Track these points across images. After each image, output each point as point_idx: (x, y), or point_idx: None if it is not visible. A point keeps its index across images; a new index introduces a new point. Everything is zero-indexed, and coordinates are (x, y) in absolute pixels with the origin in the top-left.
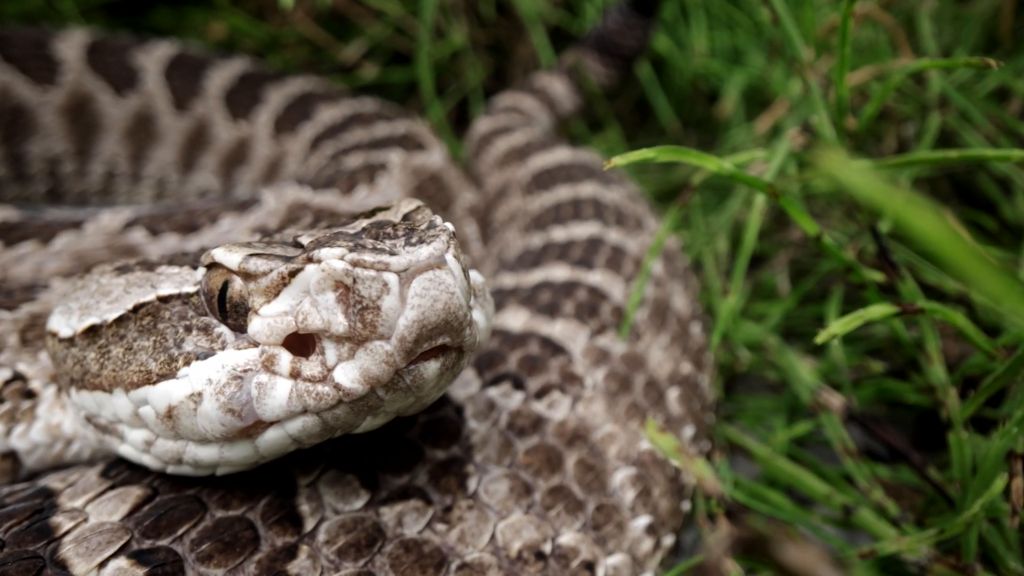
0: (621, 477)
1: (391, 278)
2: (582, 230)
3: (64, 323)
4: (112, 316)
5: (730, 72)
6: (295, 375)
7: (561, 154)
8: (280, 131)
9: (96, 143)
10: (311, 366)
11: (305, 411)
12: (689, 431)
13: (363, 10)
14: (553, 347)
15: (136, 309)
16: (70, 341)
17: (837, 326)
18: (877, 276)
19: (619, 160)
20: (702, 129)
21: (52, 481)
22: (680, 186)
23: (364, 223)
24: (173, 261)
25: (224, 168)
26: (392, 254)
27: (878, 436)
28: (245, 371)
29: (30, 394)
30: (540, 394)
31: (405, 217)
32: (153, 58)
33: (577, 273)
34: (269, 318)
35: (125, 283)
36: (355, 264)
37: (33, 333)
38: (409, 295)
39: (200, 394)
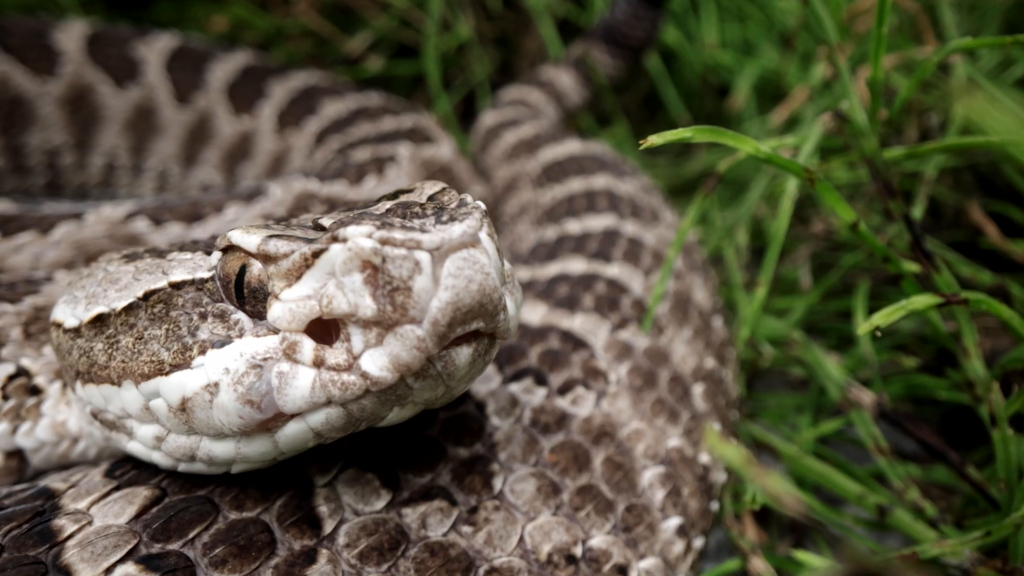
0: (650, 476)
1: (423, 257)
2: (597, 222)
3: (69, 313)
4: (121, 304)
5: (741, 65)
6: (318, 364)
7: (571, 146)
8: (284, 125)
9: (96, 135)
10: (335, 354)
11: (329, 402)
12: (715, 428)
13: (368, 2)
14: (574, 341)
15: (147, 296)
16: (76, 332)
17: (879, 317)
18: (913, 267)
19: (656, 139)
20: (712, 122)
21: (54, 482)
22: (691, 180)
23: (388, 204)
24: (185, 247)
25: (227, 162)
26: (424, 232)
27: (912, 434)
28: (265, 359)
29: (35, 390)
30: (563, 390)
31: (431, 198)
32: (154, 50)
33: (595, 266)
34: (291, 303)
35: (134, 270)
36: (384, 242)
37: (37, 326)
38: (442, 275)
39: (216, 384)
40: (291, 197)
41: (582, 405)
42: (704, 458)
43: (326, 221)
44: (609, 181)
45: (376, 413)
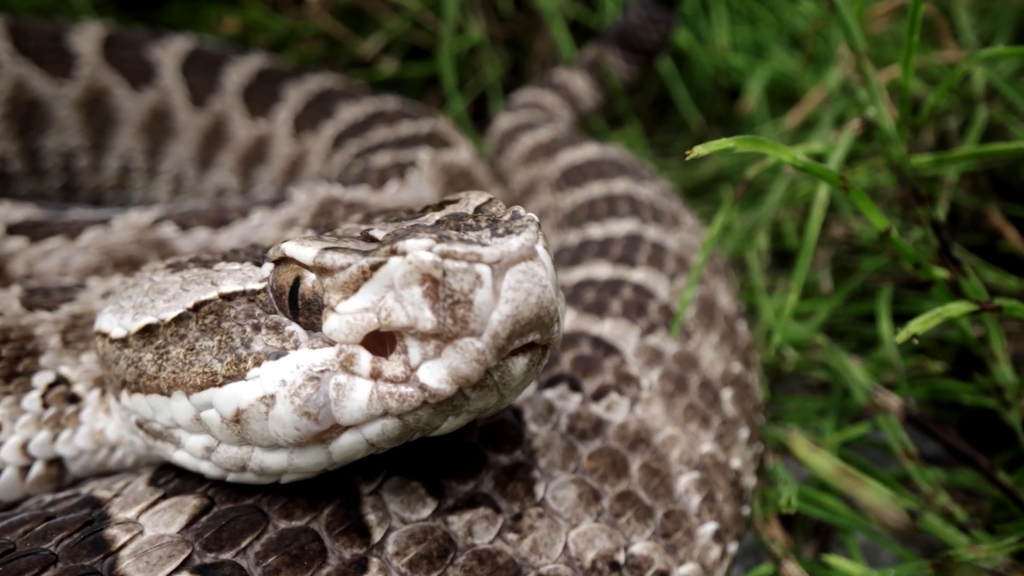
0: (686, 482)
1: (484, 270)
2: (620, 227)
3: (116, 323)
4: (170, 315)
5: (753, 67)
6: (375, 376)
7: (590, 150)
8: (300, 129)
9: (111, 137)
10: (393, 366)
11: (386, 414)
12: (744, 433)
13: (381, 4)
14: (605, 347)
15: (197, 307)
16: (123, 342)
17: (915, 325)
18: (942, 273)
19: (701, 149)
20: (723, 125)
21: (98, 490)
22: (704, 182)
23: (437, 215)
24: (230, 257)
25: (243, 166)
26: (483, 245)
27: (940, 439)
28: (322, 372)
29: (74, 398)
30: (597, 396)
31: (478, 209)
32: (169, 53)
33: (620, 271)
34: (348, 315)
35: (182, 280)
36: (445, 256)
37: (74, 334)
38: (502, 288)
39: (273, 396)
40: (315, 203)
41: (617, 411)
42: (736, 463)
43: (378, 233)
44: (629, 185)
45: (431, 424)
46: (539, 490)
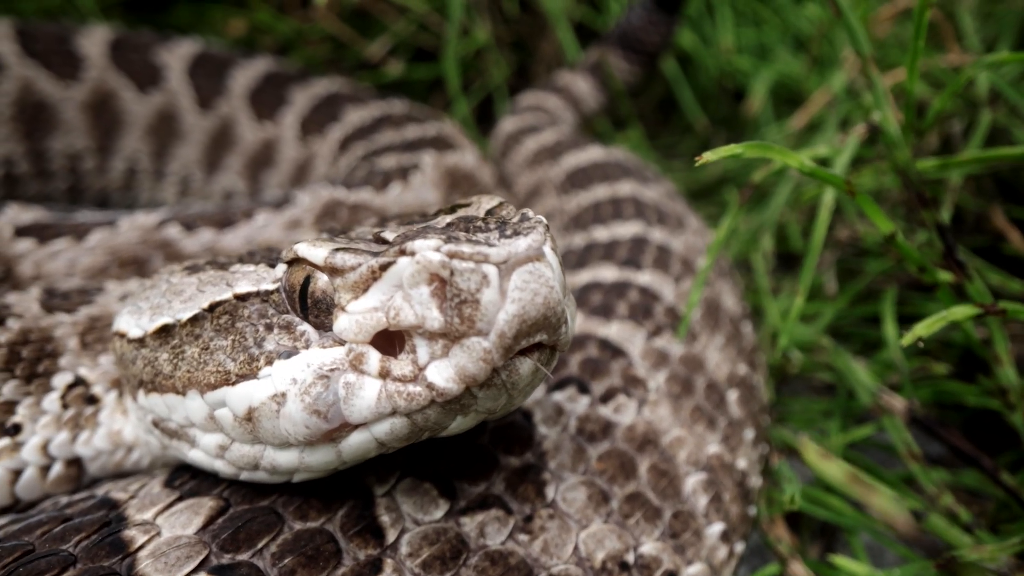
0: (693, 482)
1: (491, 270)
2: (625, 229)
3: (133, 323)
4: (186, 315)
5: (757, 69)
6: (384, 374)
7: (594, 152)
8: (307, 133)
9: (118, 139)
10: (401, 365)
11: (394, 412)
12: (750, 434)
13: (387, 6)
14: (612, 349)
15: (212, 308)
16: (140, 342)
17: (921, 328)
18: (947, 276)
19: (710, 156)
20: (728, 126)
21: (114, 491)
22: (709, 184)
23: (448, 218)
24: (245, 259)
25: (250, 169)
26: (490, 245)
27: (945, 440)
28: (332, 370)
29: (92, 399)
30: (605, 398)
31: (489, 212)
32: (176, 56)
33: (626, 273)
34: (357, 314)
35: (198, 282)
36: (452, 256)
37: (92, 336)
38: (509, 288)
39: (284, 395)
40: (319, 204)
41: (624, 413)
42: (742, 463)
43: (389, 234)
44: (634, 188)
45: (439, 423)
46: (549, 491)
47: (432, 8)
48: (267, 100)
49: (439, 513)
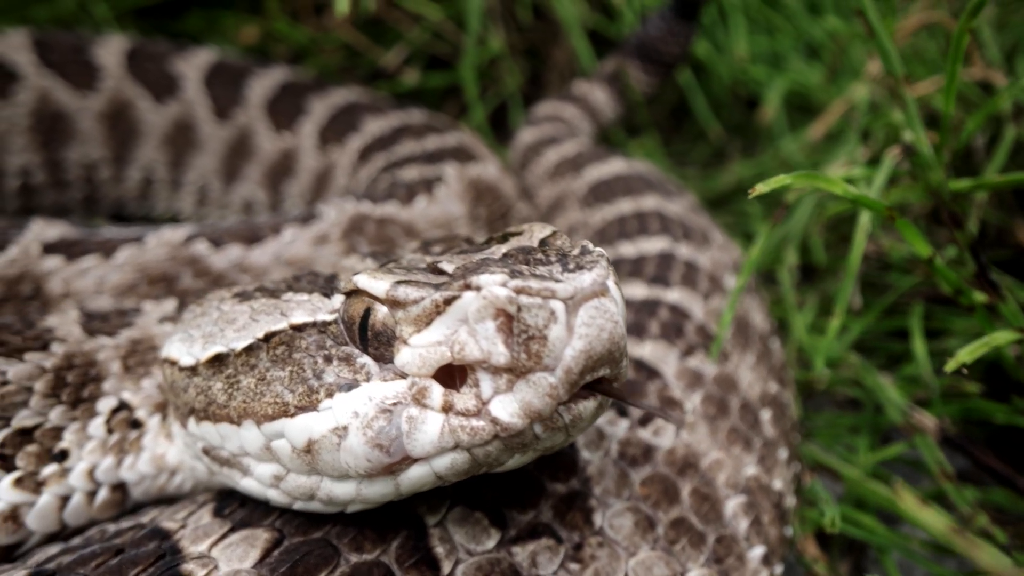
0: (733, 506)
1: (558, 306)
2: (651, 245)
3: (185, 351)
4: (240, 345)
5: (771, 78)
6: (447, 409)
7: (616, 165)
8: (326, 143)
9: (134, 149)
10: (464, 399)
11: (456, 447)
12: (783, 453)
13: (401, 14)
14: (647, 370)
15: (268, 338)
16: (192, 370)
17: (964, 354)
18: (981, 297)
19: (762, 187)
20: (742, 134)
21: (164, 521)
22: (723, 193)
23: (503, 248)
24: (294, 287)
25: (269, 179)
26: (557, 281)
27: (979, 460)
28: (394, 404)
29: (136, 424)
30: (644, 421)
31: (543, 242)
32: (193, 65)
33: (655, 291)
34: (421, 348)
35: (250, 310)
36: (519, 291)
37: (134, 359)
38: (576, 324)
39: (345, 428)
40: (345, 219)
41: (664, 436)
42: (777, 484)
43: (447, 265)
44: (658, 202)
45: (498, 459)
46: (597, 519)
47: (446, 16)
48: (285, 110)
49: (491, 543)
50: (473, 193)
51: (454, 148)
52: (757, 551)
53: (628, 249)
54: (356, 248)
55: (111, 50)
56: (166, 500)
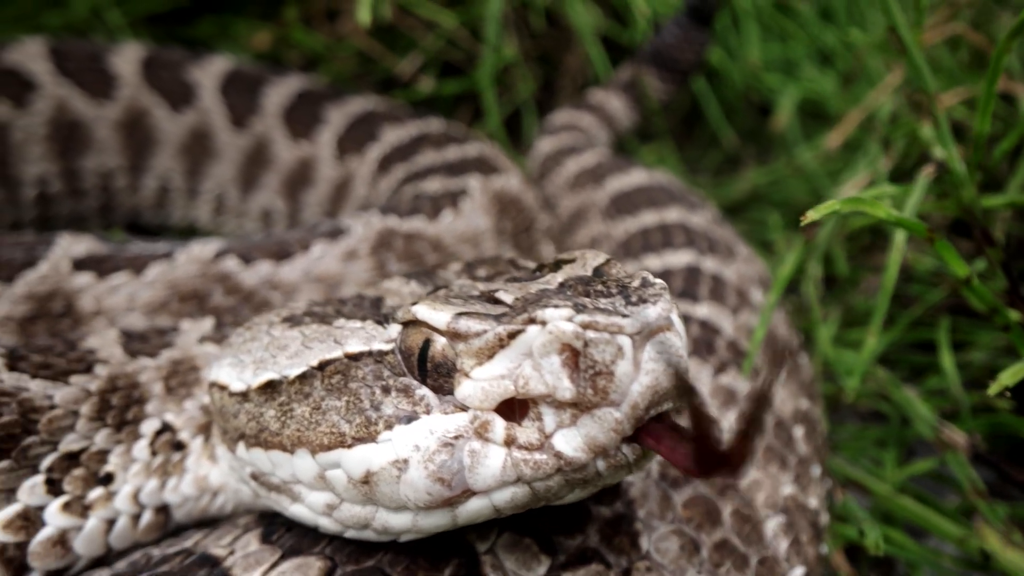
0: (773, 526)
1: (625, 342)
2: (677, 259)
3: (235, 376)
4: (294, 372)
5: (784, 84)
6: (509, 442)
7: (638, 176)
8: (344, 152)
9: (150, 158)
10: (526, 432)
11: (518, 480)
12: (816, 470)
13: (415, 21)
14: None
15: (322, 366)
16: (243, 396)
17: (1007, 377)
18: (1016, 316)
19: (812, 215)
20: (754, 140)
21: (211, 547)
22: (738, 201)
23: (558, 277)
24: (343, 312)
25: (287, 188)
26: (623, 316)
27: (1011, 478)
28: (456, 438)
29: (179, 445)
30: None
31: (597, 271)
32: (208, 73)
33: (684, 306)
34: (483, 382)
35: (302, 337)
36: (586, 326)
37: (176, 380)
38: (643, 360)
39: (406, 461)
40: (373, 234)
41: None
42: (813, 502)
43: (505, 296)
44: (682, 214)
45: (558, 493)
46: (643, 542)
47: (461, 23)
48: (302, 118)
49: (542, 570)
50: (498, 206)
51: (476, 159)
52: (798, 572)
53: (654, 262)
54: (385, 264)
55: (127, 58)
56: (207, 521)
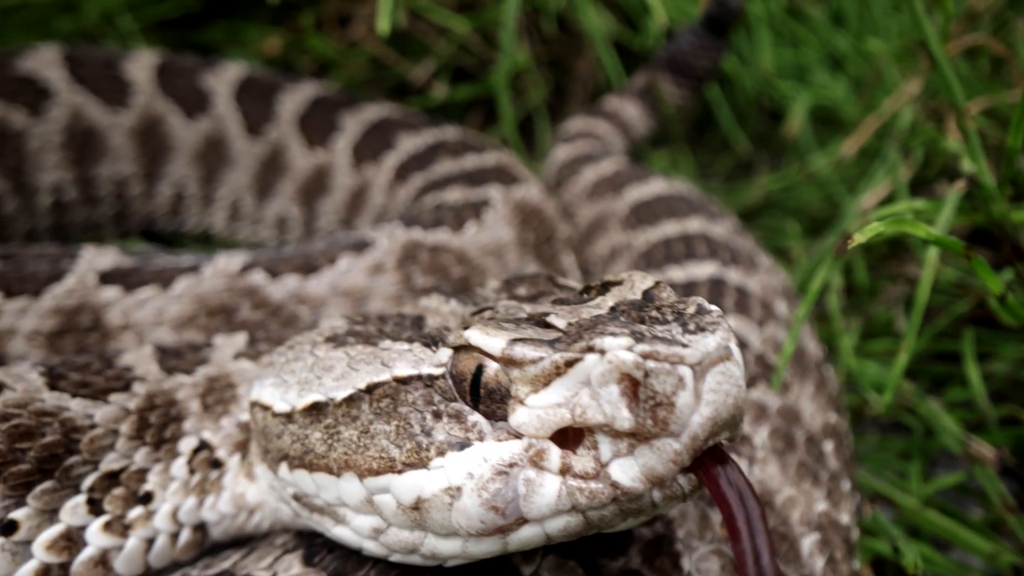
0: (809, 544)
1: (686, 372)
2: (701, 270)
3: (279, 397)
4: (341, 395)
5: (796, 91)
6: (564, 471)
7: (657, 186)
8: (361, 160)
9: (164, 165)
10: (582, 461)
11: (572, 509)
12: (846, 485)
13: (427, 27)
14: None
15: (370, 389)
16: (287, 417)
17: None
18: None
19: (859, 237)
20: (766, 146)
21: (253, 569)
22: (751, 207)
23: (608, 301)
24: (387, 332)
25: (302, 196)
26: (683, 346)
27: None
28: (511, 465)
29: (216, 463)
30: None
31: (647, 295)
32: (223, 80)
33: None
34: (539, 409)
35: (347, 358)
36: (646, 356)
37: (212, 398)
38: (704, 391)
39: (459, 488)
40: (398, 246)
41: None
42: (844, 518)
43: (557, 321)
44: (703, 224)
45: (611, 522)
46: (685, 563)
47: (473, 28)
48: (317, 126)
49: None
50: (520, 217)
51: (495, 168)
52: None
53: (677, 274)
54: (411, 278)
55: (141, 65)
56: (243, 539)
